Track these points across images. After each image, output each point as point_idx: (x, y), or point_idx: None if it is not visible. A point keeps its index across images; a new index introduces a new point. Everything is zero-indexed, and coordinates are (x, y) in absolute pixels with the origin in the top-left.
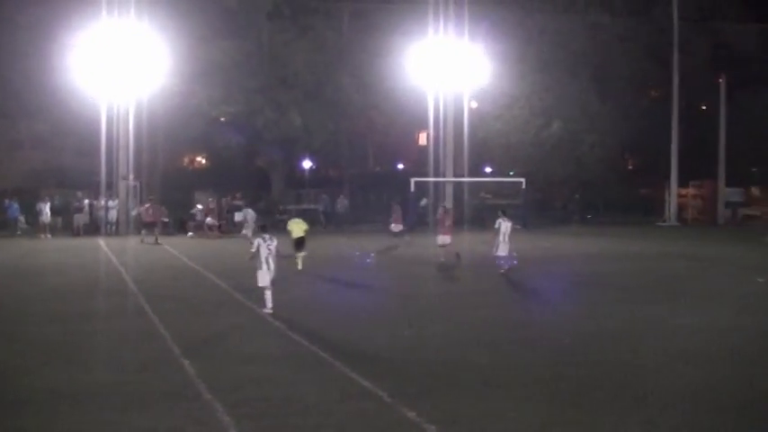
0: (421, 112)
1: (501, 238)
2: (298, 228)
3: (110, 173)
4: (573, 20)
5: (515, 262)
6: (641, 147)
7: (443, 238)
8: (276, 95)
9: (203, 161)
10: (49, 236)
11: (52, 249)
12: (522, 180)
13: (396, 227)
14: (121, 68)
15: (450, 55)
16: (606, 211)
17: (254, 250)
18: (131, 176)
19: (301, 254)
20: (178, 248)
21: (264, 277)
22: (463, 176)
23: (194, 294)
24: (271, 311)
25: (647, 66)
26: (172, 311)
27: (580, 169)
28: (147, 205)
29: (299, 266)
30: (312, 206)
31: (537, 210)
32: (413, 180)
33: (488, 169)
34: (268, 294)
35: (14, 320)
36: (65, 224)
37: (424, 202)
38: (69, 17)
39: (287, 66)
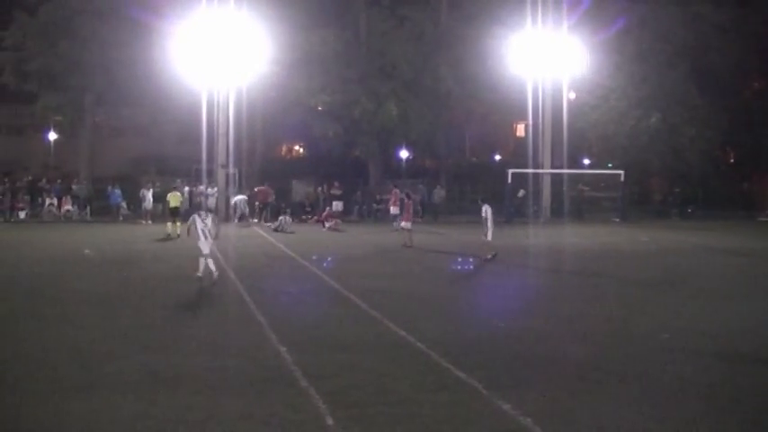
0: (519, 102)
1: (489, 224)
2: (174, 199)
3: (209, 160)
4: (673, 10)
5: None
6: (743, 140)
7: (406, 224)
8: (374, 85)
9: (301, 150)
10: (150, 222)
11: (153, 235)
12: (621, 172)
13: (405, 224)
14: (221, 57)
15: (549, 45)
16: (706, 205)
17: (189, 224)
18: (230, 164)
19: (177, 224)
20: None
21: (204, 246)
22: (561, 168)
23: (291, 282)
24: (200, 276)
25: (750, 57)
26: (270, 298)
27: (679, 162)
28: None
29: (170, 232)
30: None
31: (636, 203)
32: (510, 171)
33: (586, 161)
34: (202, 261)
35: (113, 306)
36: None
37: (521, 193)
38: (170, 6)
39: (385, 56)
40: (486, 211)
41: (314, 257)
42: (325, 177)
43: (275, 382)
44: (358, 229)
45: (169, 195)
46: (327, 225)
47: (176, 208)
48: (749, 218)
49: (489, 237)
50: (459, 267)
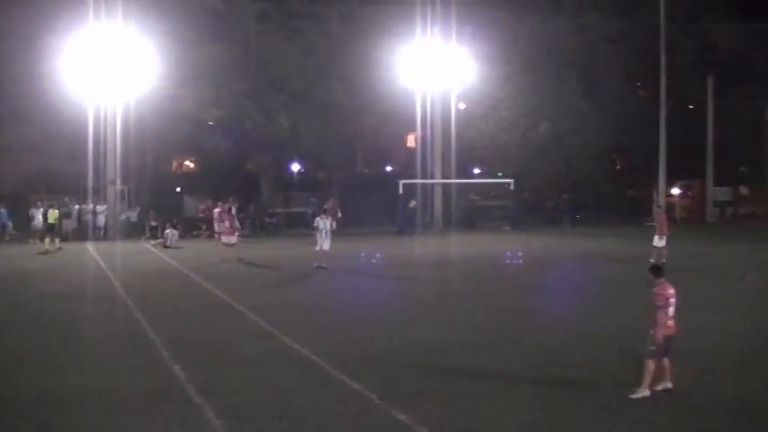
0: (410, 113)
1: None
2: (52, 216)
3: (98, 177)
4: (561, 21)
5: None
6: (630, 147)
7: (229, 239)
8: (265, 99)
9: (192, 165)
10: (38, 241)
11: (41, 254)
12: (511, 181)
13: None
14: (109, 72)
15: (438, 57)
16: (596, 211)
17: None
18: (119, 181)
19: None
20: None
21: None
22: (451, 178)
23: (186, 299)
24: None
25: (635, 66)
26: (162, 316)
27: (569, 170)
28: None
29: (47, 248)
30: (301, 209)
31: (527, 211)
32: (401, 182)
33: (477, 170)
34: None
35: (4, 325)
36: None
37: (413, 203)
38: (57, 21)
39: (276, 69)
40: (318, 222)
41: (207, 273)
42: (216, 192)
43: (169, 401)
44: (250, 243)
45: (49, 212)
46: (227, 240)
47: (52, 225)
48: (636, 223)
49: (326, 247)
50: (353, 280)
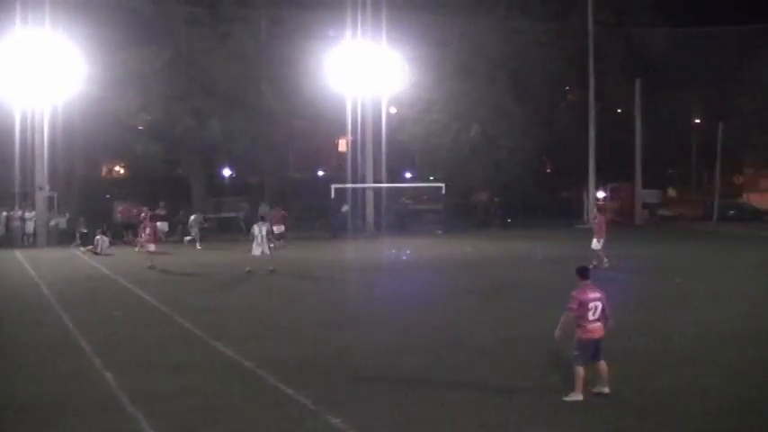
0: (341, 117)
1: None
2: None
3: (25, 183)
4: (491, 25)
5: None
6: (559, 150)
7: (149, 246)
8: (195, 103)
9: (122, 170)
10: None
11: None
12: (443, 185)
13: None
14: (36, 76)
15: (368, 60)
16: (526, 215)
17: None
18: (47, 187)
19: None
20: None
21: None
22: (383, 182)
23: (115, 304)
24: None
25: (564, 70)
26: (92, 323)
27: (499, 173)
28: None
29: None
30: (233, 214)
31: (458, 214)
32: (333, 186)
33: (409, 174)
34: None
35: None
36: None
37: (345, 208)
38: None
39: (206, 73)
40: (254, 229)
41: (137, 279)
42: (147, 197)
43: (101, 409)
44: (182, 249)
45: None
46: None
47: None
48: (567, 226)
49: (257, 253)
50: (283, 284)
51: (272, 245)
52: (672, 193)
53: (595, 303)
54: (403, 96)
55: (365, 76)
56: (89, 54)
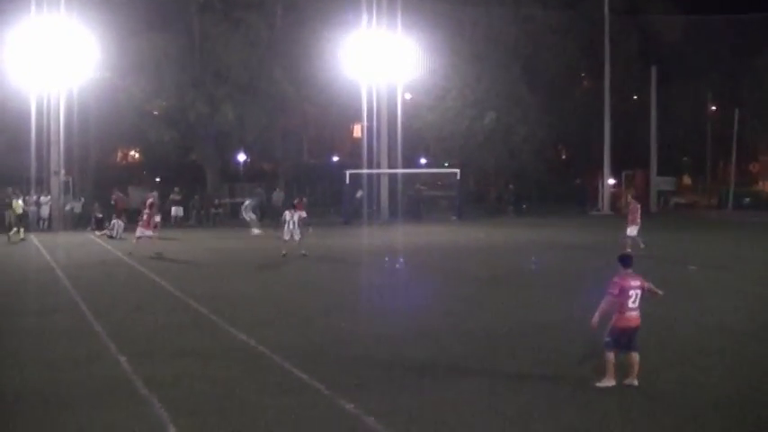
0: (355, 104)
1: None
2: (18, 206)
3: (41, 168)
4: (505, 12)
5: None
6: (574, 137)
7: (143, 230)
8: (209, 89)
9: (136, 156)
10: None
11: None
12: (457, 171)
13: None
14: (52, 62)
15: (384, 47)
16: (540, 202)
17: None
18: (63, 172)
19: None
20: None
21: None
22: (397, 168)
23: (131, 290)
24: None
25: (579, 58)
26: (107, 308)
27: (513, 160)
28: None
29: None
30: (247, 200)
31: (472, 201)
32: (348, 172)
33: (423, 160)
34: None
35: None
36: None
37: (359, 194)
38: None
39: (220, 59)
40: (285, 215)
41: (152, 264)
42: (162, 183)
43: (115, 393)
44: (197, 234)
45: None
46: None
47: (20, 215)
48: (581, 213)
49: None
50: (296, 269)
51: (309, 230)
52: (686, 180)
53: (636, 291)
54: (418, 83)
55: (380, 62)
56: (103, 40)
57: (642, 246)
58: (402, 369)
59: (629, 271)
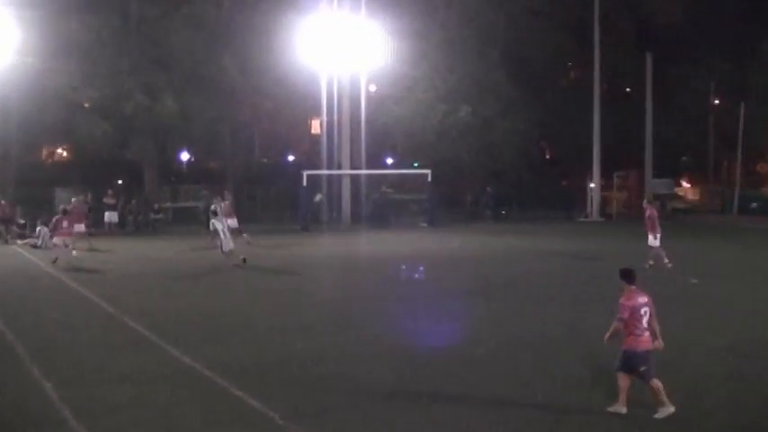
0: (313, 96)
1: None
2: None
3: None
4: None
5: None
6: (560, 134)
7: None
8: (148, 78)
9: (65, 153)
10: None
11: None
12: (428, 172)
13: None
14: None
15: (345, 32)
16: (522, 206)
17: None
18: None
19: None
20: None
21: None
22: (361, 168)
23: (56, 307)
24: None
25: (565, 43)
26: (31, 327)
27: (491, 159)
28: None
29: None
30: (192, 203)
31: (445, 205)
32: (305, 173)
33: (390, 160)
34: None
35: None
36: None
37: (318, 197)
38: None
39: (159, 44)
40: (214, 224)
41: (83, 276)
42: (94, 184)
43: (40, 425)
44: (134, 242)
45: None
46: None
47: None
48: (568, 218)
49: (226, 247)
50: (247, 283)
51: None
52: (686, 182)
53: (645, 309)
54: (383, 73)
55: (341, 50)
56: (26, 21)
57: (667, 261)
58: (365, 393)
59: (634, 287)
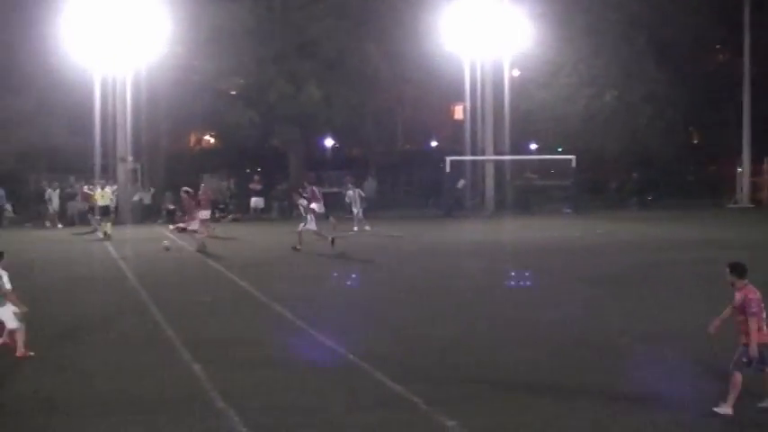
0: (456, 82)
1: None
2: (103, 196)
3: (106, 154)
4: None
5: None
6: (708, 118)
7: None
8: (292, 66)
9: (212, 141)
10: (60, 225)
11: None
12: (573, 157)
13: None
14: (117, 36)
15: (489, 17)
16: (668, 193)
17: None
18: (130, 158)
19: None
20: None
21: None
22: (504, 154)
23: (206, 291)
24: None
25: (713, 26)
26: (180, 311)
27: (637, 145)
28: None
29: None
30: (336, 189)
31: (589, 191)
32: (448, 159)
33: (534, 146)
34: None
35: None
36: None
37: (461, 183)
38: None
39: (303, 32)
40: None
41: (230, 261)
42: (239, 170)
43: (189, 405)
44: (280, 228)
45: (98, 192)
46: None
47: (107, 206)
48: (717, 205)
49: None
50: (386, 269)
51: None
52: None
53: (762, 303)
54: (527, 58)
55: (485, 35)
56: (175, 11)
57: None
58: (510, 381)
59: (746, 281)
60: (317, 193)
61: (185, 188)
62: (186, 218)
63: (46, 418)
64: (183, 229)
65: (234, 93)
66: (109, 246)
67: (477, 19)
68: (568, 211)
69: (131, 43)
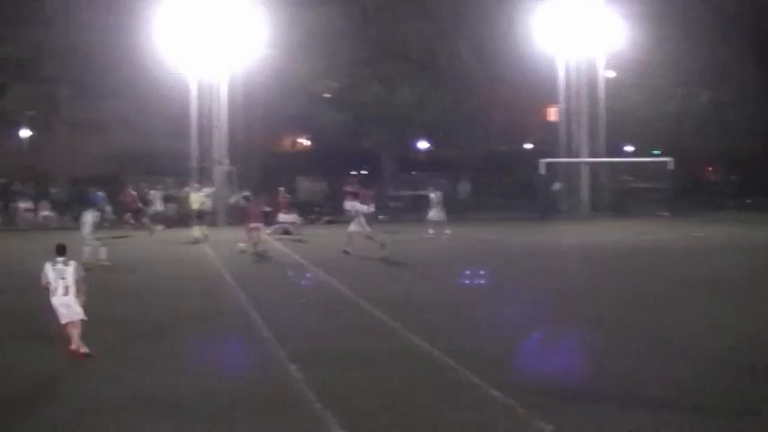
0: (550, 83)
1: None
2: (195, 200)
3: (202, 157)
4: None
5: None
6: None
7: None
8: (385, 68)
9: (307, 143)
10: (161, 227)
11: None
12: (670, 160)
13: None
14: (213, 40)
15: (583, 17)
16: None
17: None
18: (226, 161)
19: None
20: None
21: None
22: (599, 156)
23: (299, 293)
24: None
25: None
26: (276, 310)
27: (735, 146)
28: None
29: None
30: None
31: (686, 194)
32: (542, 161)
33: (629, 148)
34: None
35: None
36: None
37: (557, 186)
38: None
39: (396, 35)
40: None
41: (326, 263)
42: (333, 172)
43: (285, 405)
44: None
45: (192, 196)
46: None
47: (200, 210)
48: None
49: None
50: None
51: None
52: None
53: None
54: (621, 59)
55: (578, 35)
56: (268, 14)
57: None
58: (609, 386)
59: None
60: (366, 194)
61: (245, 194)
62: (246, 223)
63: (143, 418)
64: (286, 231)
65: (327, 95)
66: (207, 246)
67: (571, 19)
68: (666, 213)
69: (227, 48)
